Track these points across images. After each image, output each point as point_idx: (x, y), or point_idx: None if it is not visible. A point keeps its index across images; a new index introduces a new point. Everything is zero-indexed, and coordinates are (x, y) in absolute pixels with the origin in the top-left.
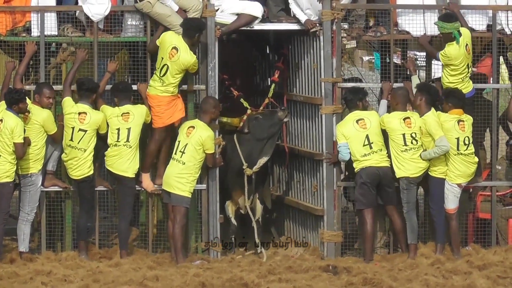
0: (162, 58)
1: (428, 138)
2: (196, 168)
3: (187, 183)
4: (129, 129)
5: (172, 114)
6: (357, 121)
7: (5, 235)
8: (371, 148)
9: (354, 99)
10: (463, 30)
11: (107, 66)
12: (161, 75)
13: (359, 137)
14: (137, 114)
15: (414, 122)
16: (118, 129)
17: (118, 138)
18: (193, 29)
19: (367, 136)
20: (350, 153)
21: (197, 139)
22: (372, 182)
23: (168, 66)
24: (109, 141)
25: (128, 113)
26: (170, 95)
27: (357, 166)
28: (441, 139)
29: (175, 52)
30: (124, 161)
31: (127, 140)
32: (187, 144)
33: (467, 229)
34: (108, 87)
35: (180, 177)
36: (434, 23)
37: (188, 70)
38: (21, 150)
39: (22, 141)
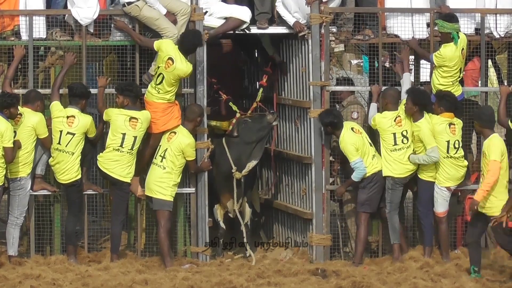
0: (159, 67)
1: (419, 143)
2: (177, 173)
3: (168, 187)
4: (135, 138)
5: (167, 121)
6: (352, 129)
7: None
8: (374, 150)
9: (340, 120)
10: (461, 34)
11: (95, 72)
12: (156, 84)
13: (364, 142)
14: (144, 121)
15: (404, 120)
16: (124, 135)
17: (122, 144)
18: (189, 46)
19: (366, 139)
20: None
21: (177, 146)
22: (381, 186)
23: (163, 75)
24: (110, 143)
25: (136, 119)
26: (166, 102)
27: (369, 171)
28: (433, 150)
29: (171, 62)
30: (125, 167)
31: (131, 148)
32: (167, 149)
33: (456, 233)
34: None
35: (161, 181)
36: (435, 21)
37: (183, 77)
38: (10, 154)
39: (12, 146)
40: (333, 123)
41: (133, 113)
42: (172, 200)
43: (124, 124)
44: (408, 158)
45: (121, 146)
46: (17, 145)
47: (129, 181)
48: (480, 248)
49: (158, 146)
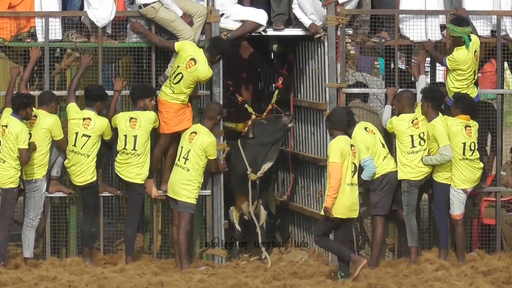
0: (178, 66)
1: (433, 143)
2: (200, 174)
3: (193, 190)
4: (135, 137)
5: (180, 122)
6: (365, 129)
7: (9, 241)
8: (387, 152)
9: (352, 118)
10: (473, 36)
11: (111, 74)
12: (174, 82)
13: (376, 142)
14: (144, 120)
15: (421, 122)
16: (125, 136)
17: (125, 145)
18: (218, 49)
19: (379, 140)
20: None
21: (200, 145)
22: (392, 188)
23: (183, 75)
24: (118, 147)
25: (135, 118)
26: (180, 103)
27: (379, 171)
28: (446, 148)
29: (193, 63)
30: (133, 168)
31: (134, 149)
32: (189, 150)
33: (471, 235)
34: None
35: (186, 184)
36: (446, 26)
37: (200, 82)
38: (25, 156)
39: (27, 147)
40: (346, 121)
41: (132, 113)
42: (195, 202)
43: (125, 125)
44: (421, 160)
45: (124, 148)
46: (32, 147)
47: (140, 182)
48: (332, 241)
49: (180, 148)
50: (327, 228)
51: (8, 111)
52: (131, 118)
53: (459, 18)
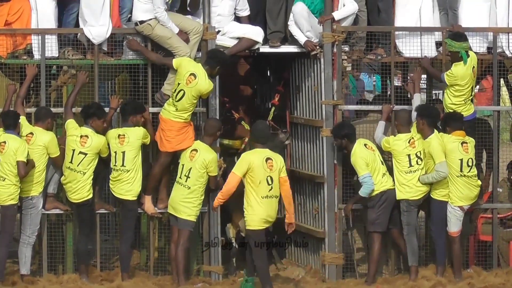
0: (179, 84)
1: (430, 160)
2: (201, 191)
3: (193, 208)
4: (123, 153)
5: (182, 140)
6: (365, 145)
7: (7, 258)
8: (386, 169)
9: (353, 133)
10: (471, 53)
11: (108, 91)
12: (176, 100)
13: (376, 159)
14: (132, 136)
15: (417, 141)
16: (115, 153)
17: (115, 162)
18: (216, 60)
19: (378, 156)
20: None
21: (201, 162)
22: (390, 205)
23: (184, 91)
24: (111, 164)
25: (124, 135)
26: (183, 121)
27: (378, 188)
28: (441, 164)
29: (193, 78)
30: (123, 185)
31: (123, 165)
32: (191, 168)
33: (468, 251)
34: None
35: (187, 201)
36: (443, 41)
37: (202, 96)
38: (23, 169)
39: (25, 160)
40: (348, 134)
41: (121, 130)
42: (195, 220)
43: (115, 142)
44: (418, 179)
45: (115, 164)
46: (31, 164)
47: (131, 198)
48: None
49: (181, 165)
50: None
51: (1, 130)
52: (119, 135)
53: (457, 34)
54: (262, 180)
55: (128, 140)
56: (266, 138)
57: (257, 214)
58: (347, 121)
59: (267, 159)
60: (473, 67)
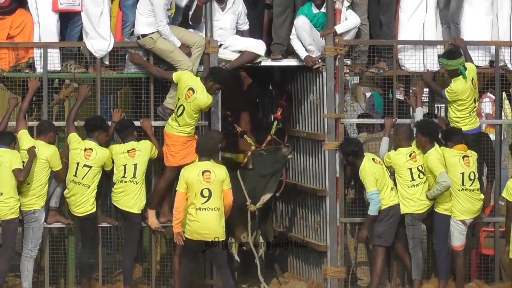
0: (179, 99)
1: (430, 174)
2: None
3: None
4: (135, 165)
5: (186, 155)
6: (373, 160)
7: (8, 272)
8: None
9: (360, 149)
10: (468, 64)
11: (110, 104)
12: (177, 115)
13: (384, 174)
14: (143, 150)
15: (419, 155)
16: (125, 166)
17: (124, 174)
18: (217, 79)
19: (386, 171)
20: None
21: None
22: (397, 220)
23: (184, 107)
24: (115, 178)
25: (134, 149)
26: (186, 136)
27: (386, 203)
28: (441, 175)
29: (191, 93)
30: (130, 198)
31: (134, 176)
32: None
33: (470, 265)
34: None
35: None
36: (438, 61)
37: (202, 110)
38: (19, 175)
39: (20, 167)
40: (355, 151)
41: (129, 145)
42: None
43: (124, 157)
44: (426, 196)
45: (123, 176)
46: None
47: (137, 212)
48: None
49: (210, 193)
50: (183, 248)
51: None
52: (129, 150)
53: (450, 51)
54: (197, 193)
55: (140, 154)
56: (206, 151)
57: (191, 225)
58: (353, 138)
59: (204, 171)
60: (472, 79)
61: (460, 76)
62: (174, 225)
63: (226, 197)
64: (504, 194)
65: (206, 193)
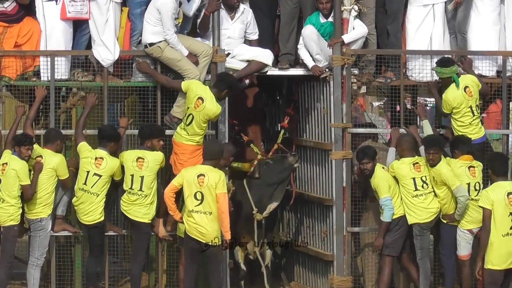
0: (188, 108)
1: (442, 188)
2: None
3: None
4: (142, 178)
5: (195, 163)
6: (382, 168)
7: (15, 280)
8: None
9: (374, 153)
10: (464, 76)
11: (117, 113)
12: (186, 124)
13: (395, 182)
14: (151, 161)
15: (423, 166)
16: (132, 176)
17: (131, 185)
18: (224, 84)
19: (395, 179)
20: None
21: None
22: (406, 230)
23: (193, 116)
24: (124, 186)
25: (143, 158)
26: (195, 144)
27: (397, 212)
28: (459, 190)
29: (201, 102)
30: (140, 208)
31: (140, 189)
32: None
33: None
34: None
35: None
36: (432, 69)
37: (210, 119)
38: (28, 192)
39: (29, 183)
40: (374, 153)
41: (140, 152)
42: None
43: (132, 165)
44: (456, 218)
45: (131, 188)
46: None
47: (147, 221)
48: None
49: (202, 196)
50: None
51: (8, 152)
52: (138, 157)
53: (444, 60)
54: (189, 195)
55: (148, 165)
56: (208, 155)
57: (189, 224)
58: (368, 146)
59: (199, 175)
60: (467, 87)
61: (452, 85)
62: (174, 216)
63: (219, 201)
64: (480, 203)
65: (199, 196)
